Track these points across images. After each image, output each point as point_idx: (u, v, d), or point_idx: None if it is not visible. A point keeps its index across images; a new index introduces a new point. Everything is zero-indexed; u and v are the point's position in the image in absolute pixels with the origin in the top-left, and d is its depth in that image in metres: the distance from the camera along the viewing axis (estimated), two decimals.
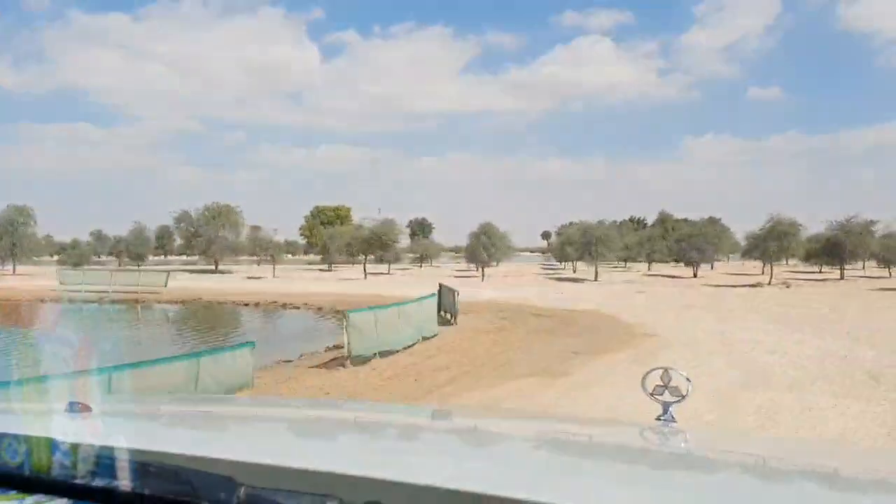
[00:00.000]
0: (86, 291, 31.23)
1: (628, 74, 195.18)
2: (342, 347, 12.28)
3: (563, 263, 58.79)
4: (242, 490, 0.89)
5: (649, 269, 57.65)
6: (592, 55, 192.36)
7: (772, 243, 37.65)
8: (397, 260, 55.80)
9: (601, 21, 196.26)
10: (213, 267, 54.29)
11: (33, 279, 38.91)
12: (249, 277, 44.96)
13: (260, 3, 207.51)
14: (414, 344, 13.90)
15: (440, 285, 21.72)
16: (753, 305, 24.70)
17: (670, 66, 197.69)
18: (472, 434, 1.61)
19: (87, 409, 1.29)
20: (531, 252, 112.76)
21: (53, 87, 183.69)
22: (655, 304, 25.41)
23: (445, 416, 2.09)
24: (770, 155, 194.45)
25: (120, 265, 56.95)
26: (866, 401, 8.85)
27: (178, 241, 64.04)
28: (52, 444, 1.02)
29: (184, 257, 67.78)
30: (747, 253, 42.58)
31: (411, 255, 68.64)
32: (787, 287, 34.60)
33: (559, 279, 44.37)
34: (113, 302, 28.39)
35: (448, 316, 19.32)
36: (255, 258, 53.69)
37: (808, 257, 44.54)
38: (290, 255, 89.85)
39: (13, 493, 0.99)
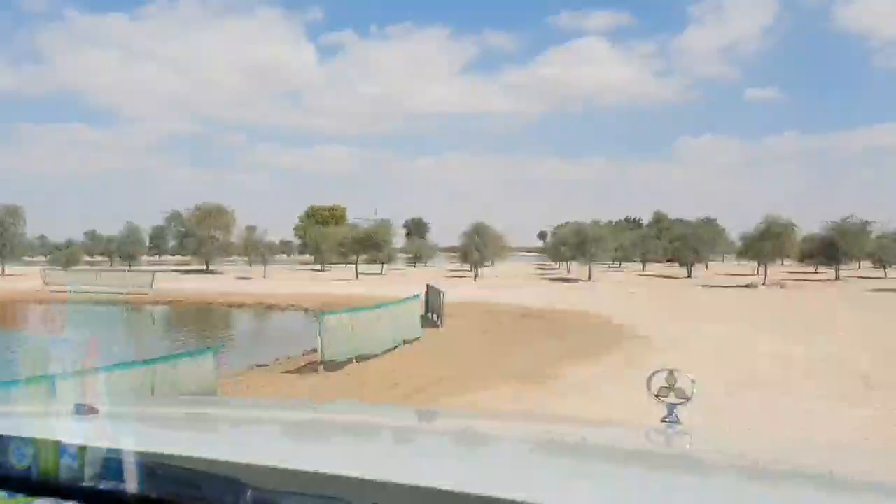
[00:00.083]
0: (70, 292, 30.76)
1: (626, 75, 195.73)
2: None
3: (557, 264, 58.39)
4: (250, 493, 0.90)
5: (644, 269, 57.32)
6: (590, 56, 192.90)
7: (766, 244, 37.30)
8: (391, 260, 55.36)
9: (598, 22, 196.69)
10: (204, 267, 53.83)
11: (20, 280, 38.37)
12: (240, 278, 44.48)
13: (257, 4, 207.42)
14: (395, 347, 13.46)
15: (427, 286, 21.32)
16: (746, 306, 24.40)
17: (668, 68, 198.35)
18: (477, 436, 1.61)
19: (93, 411, 1.29)
20: (528, 252, 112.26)
21: (51, 88, 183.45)
22: (647, 305, 25.07)
23: (451, 417, 2.12)
24: (767, 155, 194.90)
25: (111, 266, 56.41)
26: (861, 407, 8.62)
27: (173, 242, 63.49)
28: (59, 447, 1.02)
29: (179, 258, 67.22)
30: (742, 253, 42.23)
31: (406, 255, 68.18)
32: (782, 288, 34.26)
33: (552, 280, 43.98)
34: (96, 303, 27.88)
35: (435, 318, 18.92)
36: (248, 259, 53.27)
37: (804, 258, 44.26)
38: (284, 256, 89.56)
39: (20, 496, 0.99)
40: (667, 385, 1.71)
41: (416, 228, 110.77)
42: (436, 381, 10.66)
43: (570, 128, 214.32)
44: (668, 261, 57.05)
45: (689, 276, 45.31)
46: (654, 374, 1.75)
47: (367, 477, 0.89)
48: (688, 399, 1.69)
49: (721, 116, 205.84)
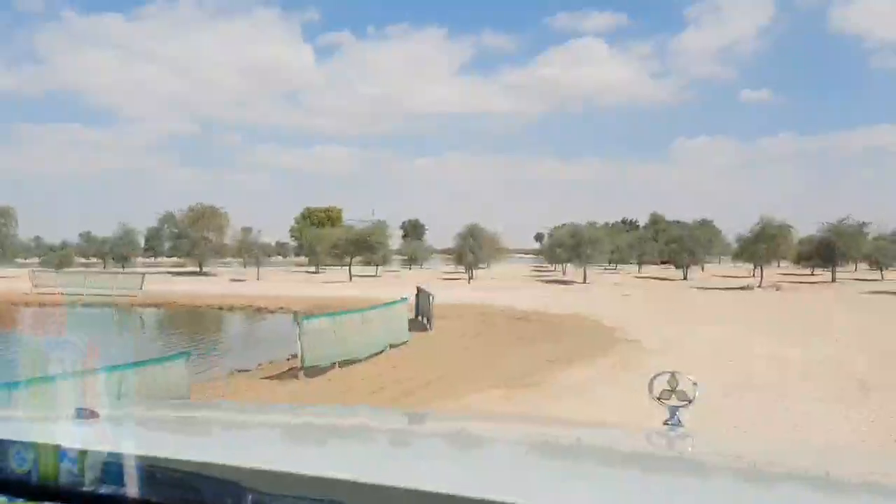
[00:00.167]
0: (59, 294, 30.38)
1: (622, 76, 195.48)
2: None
3: (553, 266, 58.12)
4: (250, 497, 0.90)
5: (639, 271, 57.07)
6: (588, 57, 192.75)
7: (761, 245, 37.02)
8: (386, 262, 55.03)
9: (595, 23, 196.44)
10: (197, 269, 53.45)
11: (9, 282, 37.93)
12: (233, 280, 44.11)
13: (255, 4, 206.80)
14: (381, 352, 13.14)
15: (417, 289, 21.01)
16: (742, 309, 24.15)
17: (664, 69, 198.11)
18: (478, 439, 1.60)
19: (94, 415, 1.28)
20: (525, 254, 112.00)
21: (50, 88, 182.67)
22: (641, 307, 24.80)
23: (452, 420, 2.13)
24: (763, 157, 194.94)
25: (105, 267, 55.97)
26: (857, 409, 8.50)
27: (168, 244, 63.06)
28: (59, 451, 1.02)
29: (175, 260, 66.86)
30: (738, 255, 41.98)
31: (401, 257, 67.86)
32: (778, 290, 34.02)
33: (547, 282, 43.70)
34: (84, 305, 27.51)
35: (424, 321, 18.62)
36: (242, 261, 52.96)
37: (800, 259, 44.03)
38: (280, 257, 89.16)
39: (21, 500, 0.99)
40: (669, 388, 1.70)
41: (413, 230, 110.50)
42: (422, 385, 10.36)
43: (568, 128, 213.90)
44: (662, 262, 56.80)
45: (684, 279, 45.07)
46: (655, 376, 1.73)
47: (366, 480, 0.89)
48: (690, 402, 1.68)
49: (717, 117, 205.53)
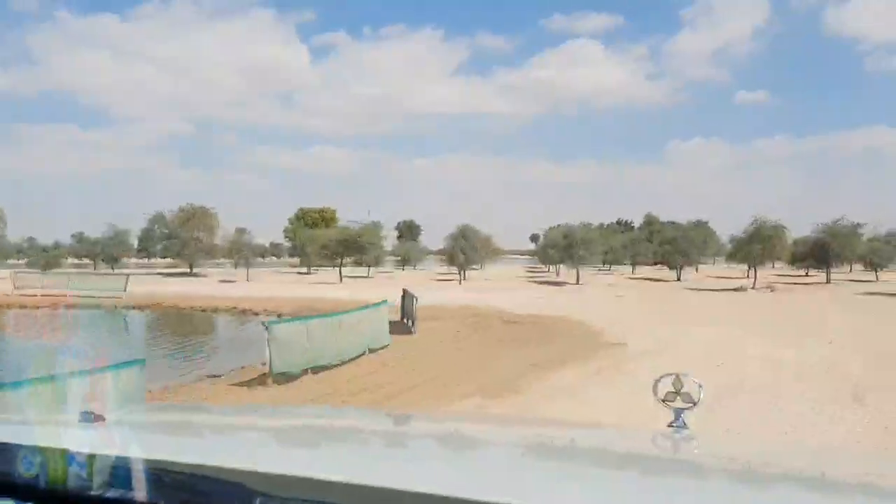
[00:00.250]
0: (41, 296, 29.81)
1: (618, 78, 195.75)
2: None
3: (548, 266, 57.71)
4: (257, 500, 0.91)
5: (633, 272, 56.73)
6: (582, 58, 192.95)
7: (756, 246, 36.64)
8: (378, 263, 54.53)
9: (590, 25, 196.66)
10: (188, 270, 52.90)
11: None
12: (223, 281, 43.58)
13: (250, 5, 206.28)
14: (358, 356, 12.67)
15: (403, 290, 20.55)
16: (736, 310, 23.82)
17: (659, 70, 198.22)
18: (484, 442, 1.59)
19: (100, 418, 1.28)
20: (521, 255, 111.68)
21: (47, 88, 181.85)
22: (632, 309, 24.42)
23: (455, 422, 2.16)
24: (758, 158, 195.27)
25: (95, 268, 55.34)
26: (852, 410, 8.44)
27: (160, 245, 62.39)
28: (67, 455, 1.02)
29: (169, 260, 66.25)
30: (731, 256, 41.62)
31: (394, 257, 67.38)
32: (772, 291, 33.67)
33: (540, 283, 43.29)
34: (66, 307, 26.96)
35: (410, 323, 18.17)
36: (234, 262, 52.47)
37: (795, 260, 43.71)
38: (274, 258, 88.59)
39: None
40: (673, 390, 1.69)
41: (408, 231, 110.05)
42: (393, 394, 9.89)
43: (564, 130, 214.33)
44: (654, 263, 56.46)
45: (678, 280, 44.72)
46: (660, 378, 1.72)
47: (376, 484, 0.90)
48: (694, 404, 1.68)
49: (712, 119, 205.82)
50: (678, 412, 1.66)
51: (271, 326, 10.70)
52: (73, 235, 62.01)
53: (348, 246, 45.51)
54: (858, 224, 40.71)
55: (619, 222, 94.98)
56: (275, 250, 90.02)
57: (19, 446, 1.05)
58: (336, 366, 11.69)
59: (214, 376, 12.30)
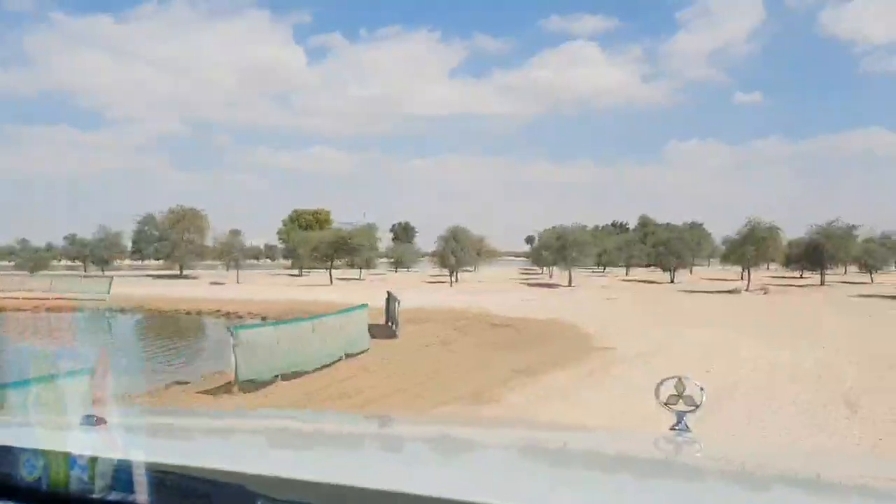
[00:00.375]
0: (23, 299, 29.25)
1: (615, 79, 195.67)
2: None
3: (542, 268, 57.33)
4: (259, 502, 0.91)
5: (627, 274, 56.36)
6: (580, 59, 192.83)
7: (750, 248, 36.27)
8: (370, 265, 54.01)
9: (588, 26, 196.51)
10: (178, 272, 52.36)
11: None
12: (213, 283, 43.07)
13: (246, 6, 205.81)
14: (335, 362, 12.21)
15: (388, 293, 20.09)
16: (730, 312, 23.49)
17: (657, 71, 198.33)
18: (483, 445, 1.59)
19: (102, 422, 1.28)
20: (517, 256, 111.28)
21: (42, 89, 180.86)
22: (624, 311, 24.03)
23: (456, 426, 2.27)
24: (755, 159, 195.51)
25: (86, 270, 54.74)
26: (848, 412, 8.38)
27: (151, 246, 61.76)
28: (69, 458, 1.02)
29: (162, 262, 65.66)
30: (726, 258, 41.27)
31: (387, 259, 66.90)
32: (765, 293, 33.33)
33: (532, 285, 42.88)
34: (47, 310, 26.41)
35: (394, 327, 17.72)
36: (225, 263, 51.95)
37: (789, 262, 43.39)
38: (269, 260, 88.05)
39: None
40: (675, 393, 1.69)
41: (403, 233, 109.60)
42: (366, 402, 9.43)
43: (562, 130, 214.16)
44: (647, 265, 56.14)
45: (671, 282, 44.37)
46: (662, 381, 1.73)
47: (378, 487, 0.90)
48: (697, 407, 1.67)
49: (709, 120, 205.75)
50: (680, 415, 1.66)
51: (237, 332, 10.22)
52: (65, 237, 61.42)
53: (339, 248, 45.00)
54: (853, 226, 40.45)
55: (613, 224, 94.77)
56: (269, 252, 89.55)
57: (21, 449, 1.05)
58: (310, 372, 11.22)
59: (182, 382, 11.83)
